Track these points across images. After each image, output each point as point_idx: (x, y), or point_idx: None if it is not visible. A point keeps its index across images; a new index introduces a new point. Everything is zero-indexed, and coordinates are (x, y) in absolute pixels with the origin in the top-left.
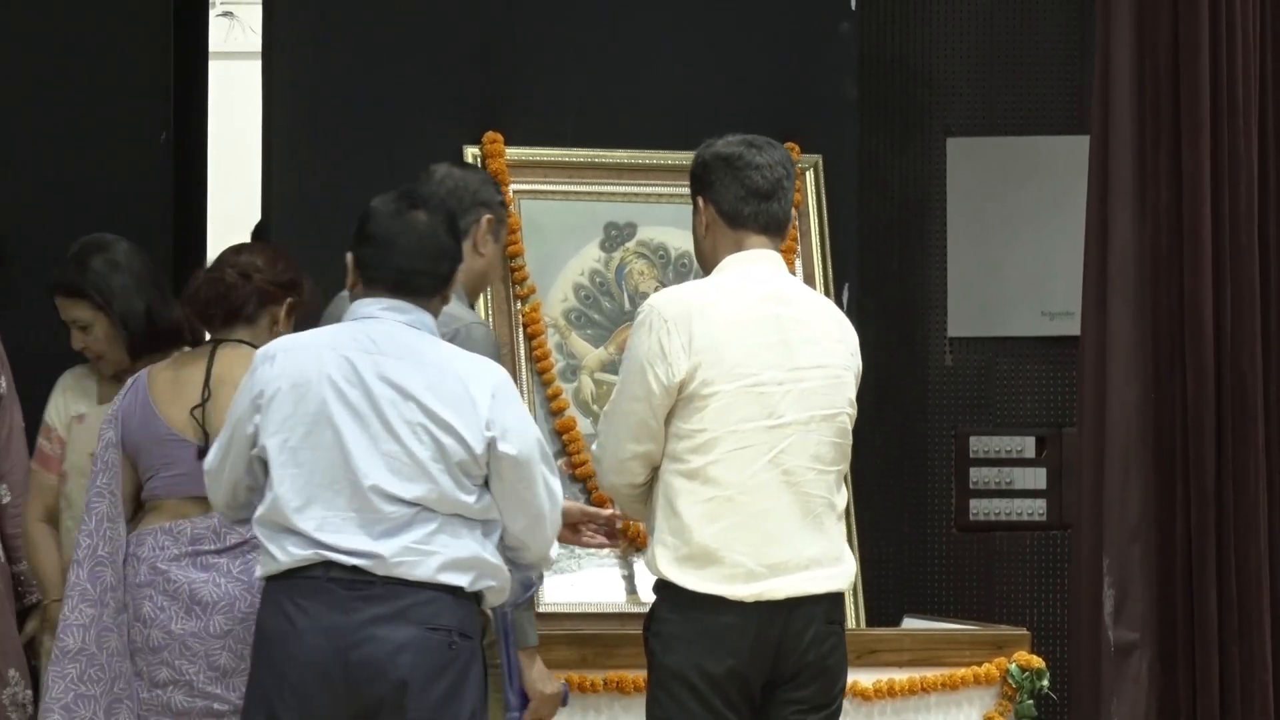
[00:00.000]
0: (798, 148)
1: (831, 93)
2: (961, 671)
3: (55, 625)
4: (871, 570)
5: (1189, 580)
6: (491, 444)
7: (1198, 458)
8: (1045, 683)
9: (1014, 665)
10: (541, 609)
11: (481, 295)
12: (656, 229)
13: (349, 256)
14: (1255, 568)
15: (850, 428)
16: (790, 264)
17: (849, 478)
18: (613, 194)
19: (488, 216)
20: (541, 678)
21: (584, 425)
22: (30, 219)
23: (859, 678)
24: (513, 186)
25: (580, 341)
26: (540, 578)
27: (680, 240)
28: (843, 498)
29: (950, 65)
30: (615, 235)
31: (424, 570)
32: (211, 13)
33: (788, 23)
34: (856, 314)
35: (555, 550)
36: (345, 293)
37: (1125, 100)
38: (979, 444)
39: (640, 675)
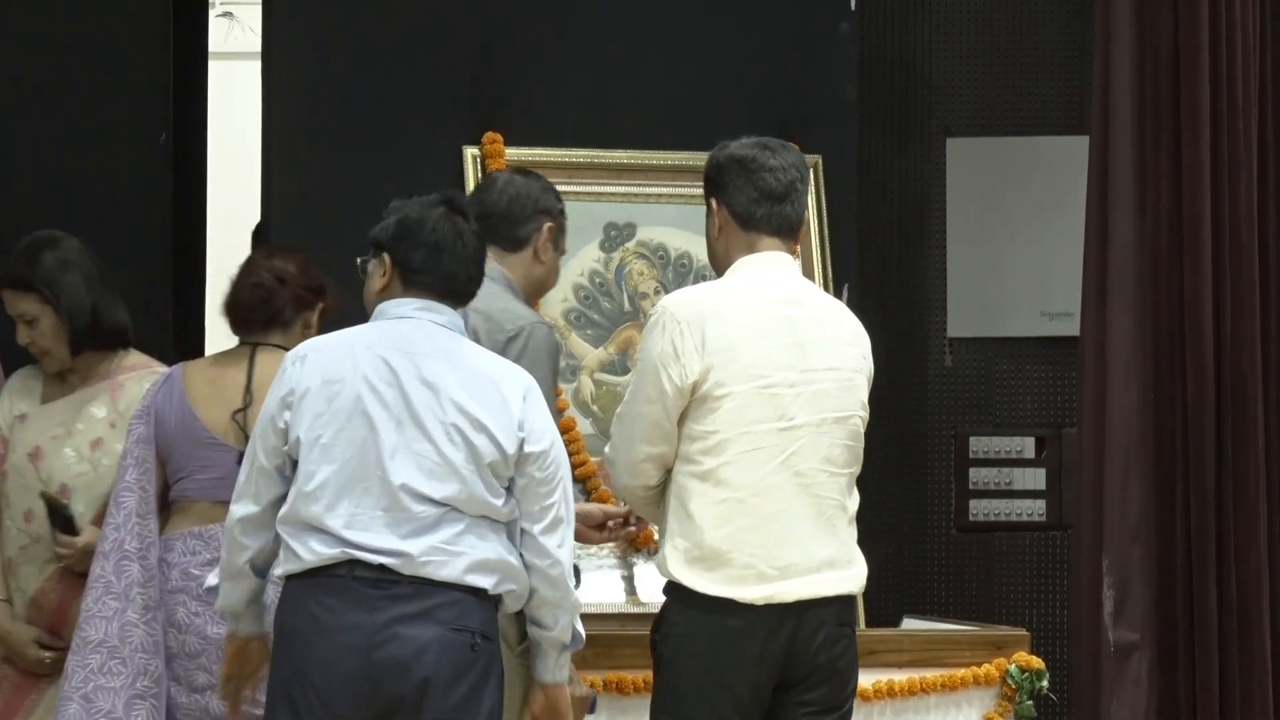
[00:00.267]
0: (797, 148)
1: (831, 93)
2: (961, 672)
3: None
4: (871, 571)
5: (1189, 581)
6: (522, 444)
7: (1198, 458)
8: (1045, 683)
9: (1013, 666)
10: None
11: None
12: (656, 229)
13: (386, 258)
14: (1255, 568)
15: (862, 430)
16: None
17: None
18: (612, 194)
19: (549, 224)
20: (575, 680)
21: (584, 425)
22: (30, 219)
23: (859, 678)
24: None
25: (580, 342)
26: (579, 579)
27: (680, 240)
28: (855, 500)
29: (950, 65)
30: (615, 235)
31: (450, 571)
32: (211, 13)
33: (788, 23)
34: (856, 314)
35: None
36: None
37: (1125, 101)
38: (979, 444)
39: (640, 676)
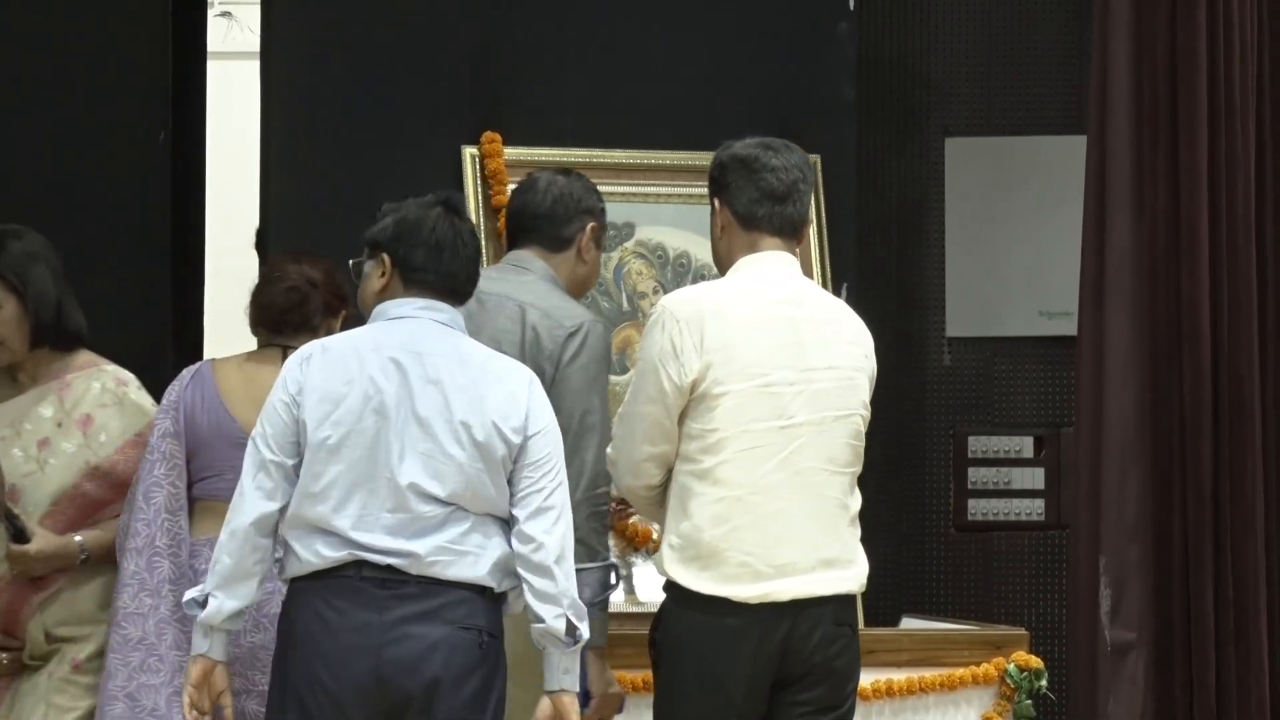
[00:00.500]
0: (800, 148)
1: (830, 93)
2: (960, 672)
3: None
4: (870, 570)
5: (1186, 580)
6: (525, 439)
7: (1195, 457)
8: (1044, 683)
9: (1012, 665)
10: None
11: None
12: (655, 229)
13: (385, 258)
14: (1252, 567)
15: (864, 430)
16: None
17: None
18: (611, 194)
19: (592, 224)
20: (608, 678)
21: None
22: (29, 219)
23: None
24: (511, 186)
25: None
26: (619, 578)
27: (679, 240)
28: (857, 500)
29: (949, 65)
30: (613, 235)
31: (457, 570)
32: (210, 12)
33: (787, 23)
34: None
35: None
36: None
37: (1122, 101)
38: (977, 444)
39: (639, 675)
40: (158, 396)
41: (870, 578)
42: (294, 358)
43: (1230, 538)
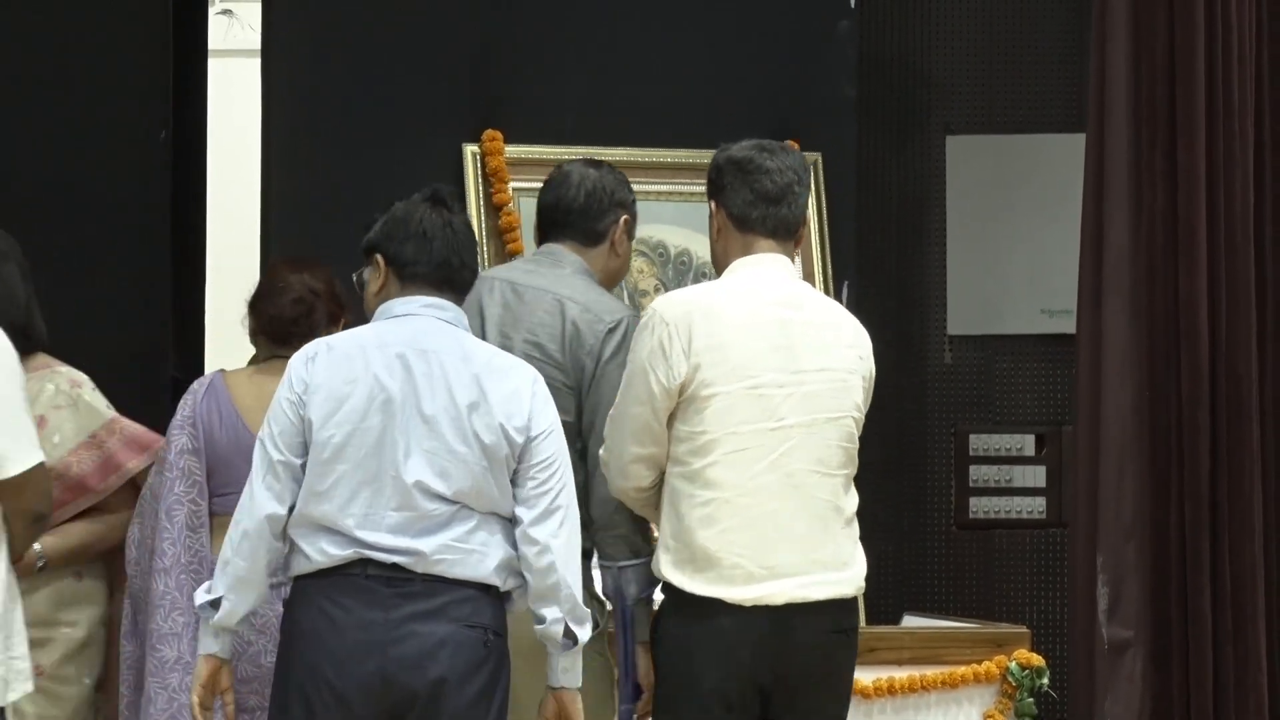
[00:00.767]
0: (798, 149)
1: (831, 92)
2: (961, 669)
3: None
4: (871, 568)
5: (1183, 578)
6: (530, 437)
7: (1192, 456)
8: (1045, 681)
9: (1014, 663)
10: None
11: None
12: (655, 227)
13: (379, 258)
14: (1249, 566)
15: (857, 432)
16: None
17: None
18: None
19: (625, 217)
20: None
21: None
22: (29, 218)
23: (859, 676)
24: (512, 184)
25: None
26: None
27: (679, 238)
28: (852, 501)
29: (949, 64)
30: None
31: (462, 568)
32: (211, 10)
33: (787, 22)
34: (855, 312)
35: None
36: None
37: (1121, 100)
38: (978, 442)
39: None
40: (157, 397)
41: (871, 576)
42: (299, 356)
43: (1228, 536)
